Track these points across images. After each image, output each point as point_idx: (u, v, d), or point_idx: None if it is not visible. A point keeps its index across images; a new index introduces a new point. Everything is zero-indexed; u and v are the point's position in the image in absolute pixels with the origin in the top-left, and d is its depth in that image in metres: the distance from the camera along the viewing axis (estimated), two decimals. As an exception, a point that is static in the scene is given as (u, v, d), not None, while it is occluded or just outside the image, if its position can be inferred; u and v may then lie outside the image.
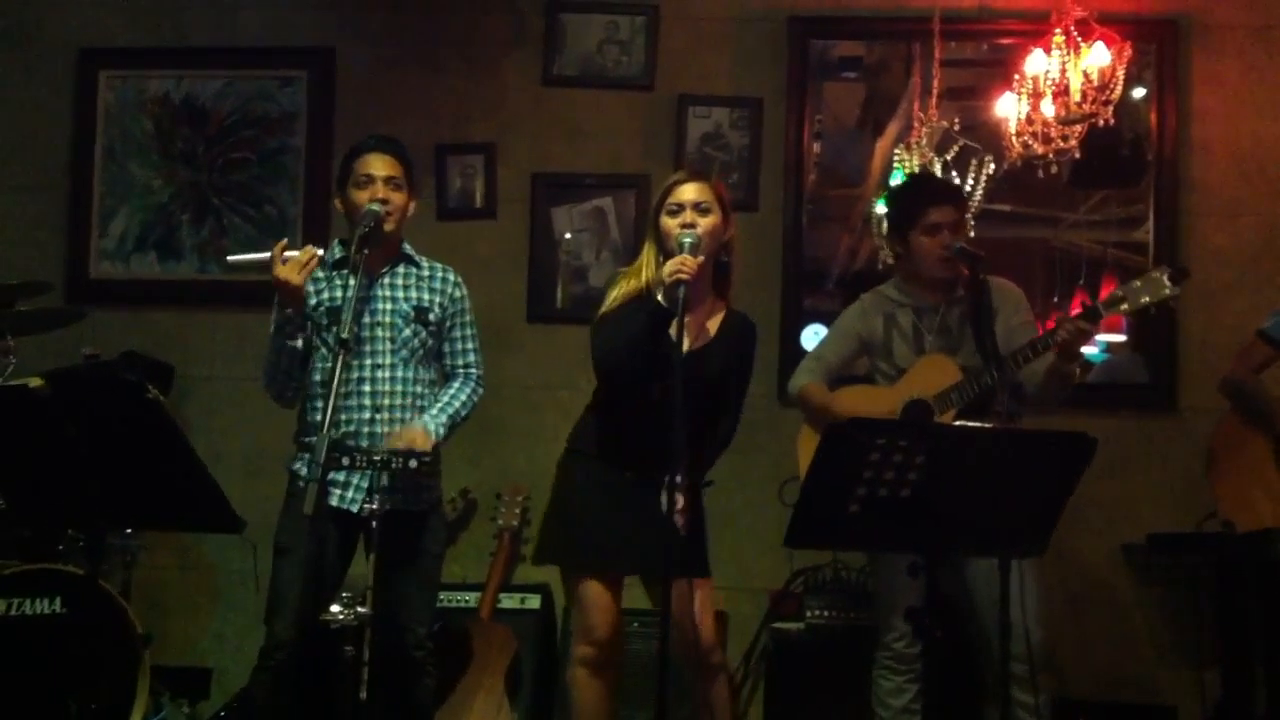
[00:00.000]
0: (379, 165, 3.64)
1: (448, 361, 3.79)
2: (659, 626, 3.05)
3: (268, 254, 3.48)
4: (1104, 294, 3.77)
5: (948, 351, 3.85)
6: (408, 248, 3.76)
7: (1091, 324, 3.61)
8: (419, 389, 3.69)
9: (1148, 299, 3.56)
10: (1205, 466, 4.19)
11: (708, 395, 3.43)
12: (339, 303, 3.57)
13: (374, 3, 5.25)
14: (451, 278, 3.79)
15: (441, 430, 3.62)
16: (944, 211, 3.87)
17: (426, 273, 3.75)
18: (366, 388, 3.61)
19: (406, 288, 3.71)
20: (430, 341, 3.72)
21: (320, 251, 3.54)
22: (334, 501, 3.56)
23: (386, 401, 3.62)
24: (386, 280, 3.70)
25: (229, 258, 3.81)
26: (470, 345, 3.80)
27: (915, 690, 3.76)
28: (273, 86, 5.25)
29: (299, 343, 3.56)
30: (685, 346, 3.21)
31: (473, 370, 3.79)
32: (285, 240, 3.54)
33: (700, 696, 3.50)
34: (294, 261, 3.45)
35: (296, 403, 3.71)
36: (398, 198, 3.65)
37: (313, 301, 3.63)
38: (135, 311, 5.17)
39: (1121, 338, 4.93)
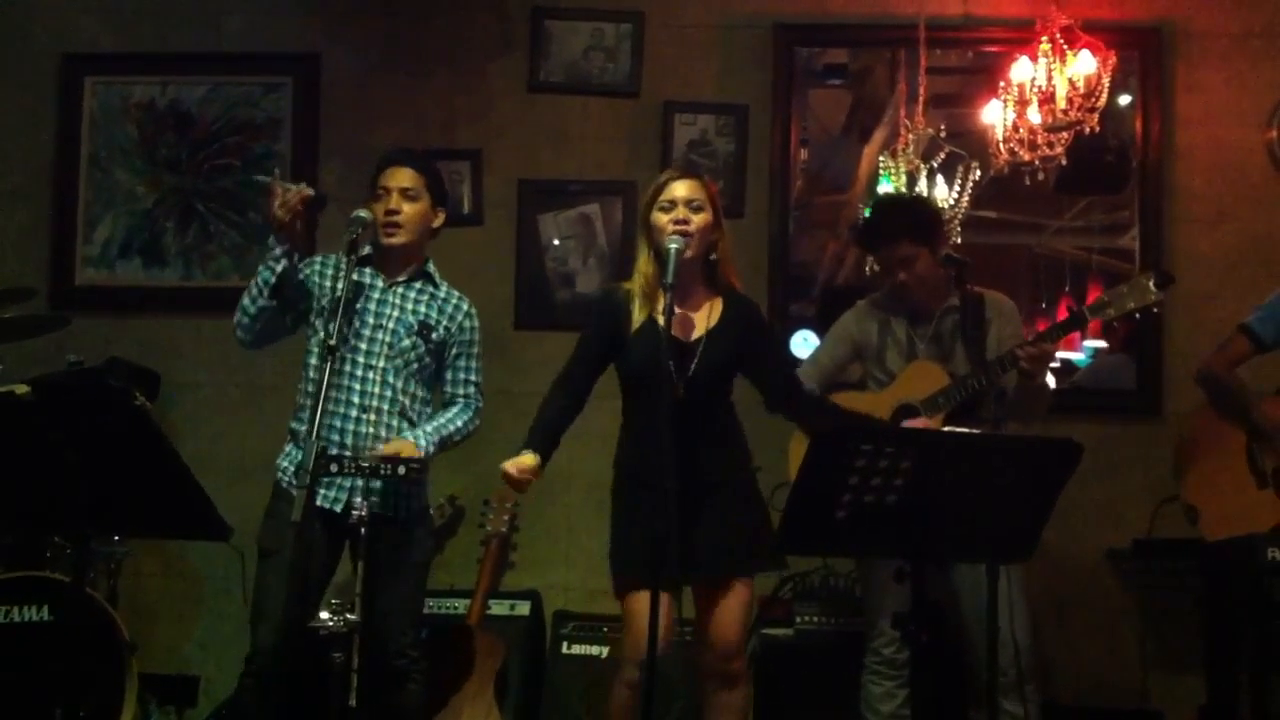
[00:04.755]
0: (394, 177, 3.72)
1: (448, 389, 3.81)
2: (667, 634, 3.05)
3: (292, 186, 3.60)
4: (1090, 300, 3.80)
5: (938, 359, 3.88)
6: (431, 267, 3.80)
7: (1069, 332, 3.68)
8: (407, 401, 3.70)
9: (1133, 305, 3.58)
10: (1174, 463, 4.21)
11: (719, 380, 3.49)
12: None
13: (359, 9, 5.24)
14: (465, 307, 3.82)
15: (431, 447, 3.63)
16: (900, 247, 3.85)
17: (442, 295, 3.79)
18: (356, 386, 3.64)
19: (418, 302, 3.74)
20: (427, 359, 3.74)
21: (310, 191, 3.61)
22: (317, 500, 3.54)
23: (374, 404, 3.64)
24: (400, 290, 3.74)
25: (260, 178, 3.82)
26: (474, 376, 3.83)
27: (904, 695, 3.77)
28: (258, 93, 5.24)
29: (280, 266, 3.60)
30: (684, 336, 3.37)
31: (473, 400, 3.82)
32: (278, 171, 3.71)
33: (714, 704, 3.47)
34: (280, 198, 3.56)
35: (254, 348, 3.77)
36: (410, 208, 3.70)
37: (326, 285, 3.71)
38: (120, 318, 5.14)
39: (1102, 343, 4.95)
